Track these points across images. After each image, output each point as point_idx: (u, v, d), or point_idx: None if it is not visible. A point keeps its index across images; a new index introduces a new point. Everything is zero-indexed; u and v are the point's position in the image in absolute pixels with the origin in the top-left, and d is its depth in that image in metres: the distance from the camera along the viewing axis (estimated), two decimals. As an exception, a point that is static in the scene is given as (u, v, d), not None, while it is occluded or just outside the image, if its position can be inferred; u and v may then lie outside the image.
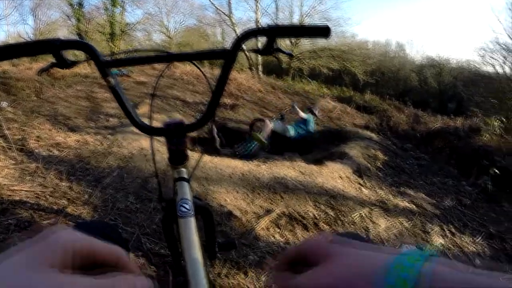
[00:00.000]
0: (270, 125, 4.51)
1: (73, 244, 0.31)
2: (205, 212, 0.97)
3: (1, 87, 5.13)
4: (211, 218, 1.00)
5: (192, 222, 0.68)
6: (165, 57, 0.82)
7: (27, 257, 0.29)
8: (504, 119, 4.36)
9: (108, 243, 0.35)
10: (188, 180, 0.82)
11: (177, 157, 0.83)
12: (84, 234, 0.33)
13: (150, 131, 0.81)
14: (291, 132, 4.67)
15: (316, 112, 4.98)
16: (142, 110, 4.55)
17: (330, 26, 0.73)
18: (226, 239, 1.92)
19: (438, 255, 0.29)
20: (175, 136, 0.80)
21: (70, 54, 0.76)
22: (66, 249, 0.30)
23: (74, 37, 16.37)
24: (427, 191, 3.06)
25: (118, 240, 0.77)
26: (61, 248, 0.30)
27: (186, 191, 0.77)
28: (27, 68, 8.91)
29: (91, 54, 0.73)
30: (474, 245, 2.21)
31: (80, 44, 0.74)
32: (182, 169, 0.84)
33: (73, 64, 0.75)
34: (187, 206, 0.71)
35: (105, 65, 0.73)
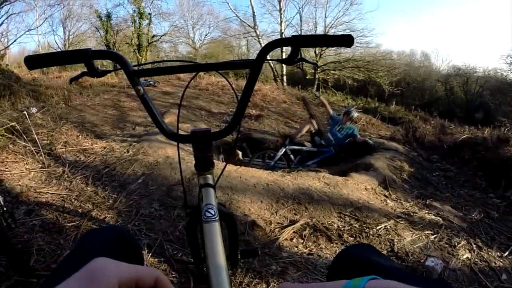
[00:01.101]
0: (306, 127, 4.51)
1: (117, 276, 0.32)
2: (229, 219, 0.97)
3: (31, 94, 5.31)
4: (234, 225, 1.00)
5: (216, 227, 0.68)
6: (192, 67, 0.83)
7: None
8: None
9: (146, 268, 0.37)
10: (213, 187, 0.83)
11: (203, 164, 0.84)
12: (125, 263, 0.35)
13: (177, 138, 0.83)
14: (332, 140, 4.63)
15: (355, 115, 4.83)
16: (168, 119, 4.62)
17: (354, 36, 0.74)
18: (248, 247, 1.91)
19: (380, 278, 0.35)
20: (202, 143, 0.81)
21: (98, 65, 0.78)
22: (113, 283, 0.32)
23: (103, 48, 16.88)
24: (453, 204, 2.97)
25: (131, 245, 0.77)
26: (108, 283, 0.31)
27: (212, 197, 0.78)
28: (56, 76, 9.25)
29: (121, 64, 0.75)
30: (501, 260, 2.12)
31: (110, 54, 0.76)
32: (208, 175, 0.85)
33: (103, 73, 0.78)
34: (212, 211, 0.71)
35: (134, 75, 0.75)
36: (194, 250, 1.06)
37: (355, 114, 4.81)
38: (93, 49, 0.72)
